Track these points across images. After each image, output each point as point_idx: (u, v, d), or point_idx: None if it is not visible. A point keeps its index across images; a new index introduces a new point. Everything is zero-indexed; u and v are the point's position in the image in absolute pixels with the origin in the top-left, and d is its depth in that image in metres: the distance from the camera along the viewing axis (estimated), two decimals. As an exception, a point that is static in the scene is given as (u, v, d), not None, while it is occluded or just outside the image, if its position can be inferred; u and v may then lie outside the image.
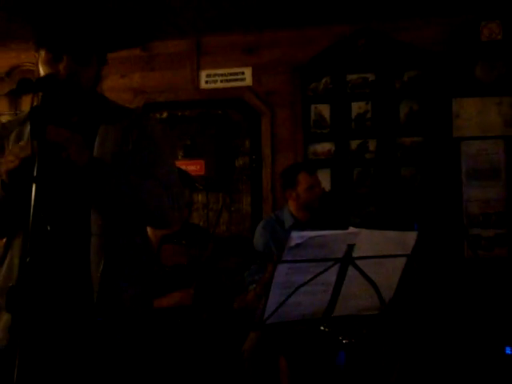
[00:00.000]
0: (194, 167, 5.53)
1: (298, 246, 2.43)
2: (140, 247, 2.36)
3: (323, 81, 5.59)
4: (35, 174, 1.83)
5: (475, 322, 4.42)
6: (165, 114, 5.84)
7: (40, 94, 1.99)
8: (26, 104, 5.29)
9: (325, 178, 5.32)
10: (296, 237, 2.42)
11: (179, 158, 5.64)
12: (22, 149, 2.02)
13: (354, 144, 5.52)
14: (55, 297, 2.10)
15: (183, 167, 5.01)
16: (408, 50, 5.39)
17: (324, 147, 5.56)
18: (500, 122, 5.20)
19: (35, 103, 1.96)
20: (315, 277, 2.52)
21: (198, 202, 5.54)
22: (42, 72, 2.21)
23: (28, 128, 2.14)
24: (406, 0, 5.03)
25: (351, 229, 2.58)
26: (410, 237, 2.69)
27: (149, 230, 3.69)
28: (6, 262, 2.22)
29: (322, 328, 2.85)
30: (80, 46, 2.19)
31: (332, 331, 3.01)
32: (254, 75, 5.74)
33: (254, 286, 4.05)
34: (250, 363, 3.92)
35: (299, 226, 4.40)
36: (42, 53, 2.20)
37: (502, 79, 5.19)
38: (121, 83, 5.94)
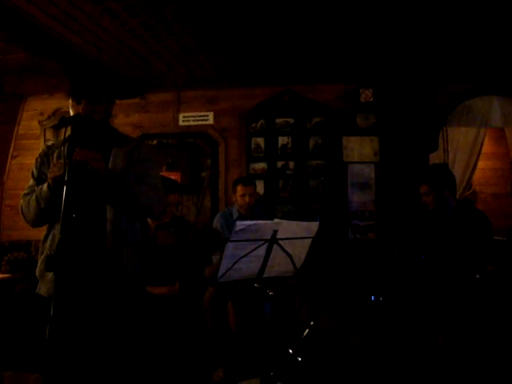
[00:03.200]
0: (173, 177, 5.45)
1: (241, 230, 2.43)
2: (137, 230, 2.34)
3: (260, 122, 5.55)
4: (66, 179, 1.82)
5: (353, 277, 4.45)
6: (155, 142, 5.73)
7: (70, 127, 2.02)
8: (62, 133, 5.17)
9: (260, 186, 5.34)
10: (239, 224, 2.42)
11: (164, 170, 5.55)
12: (61, 164, 2.04)
13: (279, 164, 5.49)
14: (82, 259, 2.09)
15: (169, 176, 5.02)
16: (315, 105, 5.42)
17: (260, 166, 5.52)
18: (371, 152, 5.25)
19: (68, 133, 1.98)
20: (251, 251, 2.53)
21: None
22: (71, 112, 2.23)
23: (64, 149, 2.17)
24: (314, 72, 5.08)
25: (276, 220, 2.61)
26: (314, 225, 2.71)
27: (149, 220, 3.68)
28: (50, 238, 2.21)
29: (255, 285, 2.83)
30: (91, 93, 2.21)
31: (262, 287, 3.01)
32: (214, 117, 5.68)
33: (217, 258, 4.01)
34: (208, 308, 3.89)
35: (242, 218, 4.36)
36: (70, 99, 2.23)
37: (373, 126, 5.26)
38: (125, 120, 5.82)
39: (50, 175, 2.09)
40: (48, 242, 2.21)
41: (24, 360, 2.75)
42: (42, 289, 2.18)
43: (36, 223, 2.27)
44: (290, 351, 3.60)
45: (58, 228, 2.08)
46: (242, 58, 4.58)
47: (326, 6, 3.44)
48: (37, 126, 5.88)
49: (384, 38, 4.04)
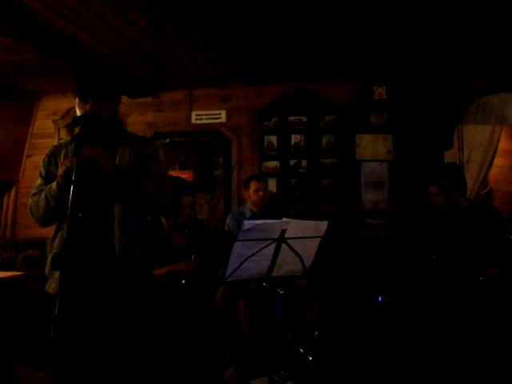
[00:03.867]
0: (186, 176, 5.47)
1: (248, 230, 2.43)
2: (145, 229, 2.37)
3: (273, 120, 5.56)
4: (73, 178, 1.84)
5: (363, 277, 4.44)
6: (168, 140, 5.76)
7: (79, 126, 2.04)
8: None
9: (272, 185, 5.34)
10: (247, 224, 2.42)
11: (176, 169, 5.59)
12: (69, 161, 2.04)
13: (292, 162, 5.48)
14: (89, 258, 2.10)
15: (181, 176, 5.01)
16: (328, 102, 5.40)
17: (272, 164, 5.52)
18: (385, 150, 5.23)
19: (76, 131, 2.01)
20: (259, 250, 2.53)
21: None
22: (77, 111, 2.26)
23: (71, 147, 2.21)
24: (326, 70, 5.06)
25: (284, 219, 2.59)
26: (323, 224, 2.69)
27: (162, 220, 3.67)
28: (58, 237, 2.23)
29: (264, 284, 2.83)
30: (98, 92, 2.23)
31: (271, 286, 3.00)
32: (227, 115, 5.69)
33: None
34: (219, 306, 3.89)
35: (254, 216, 4.36)
36: (77, 99, 2.25)
37: (386, 124, 5.23)
38: (139, 119, 5.87)
39: (59, 173, 2.10)
40: (56, 241, 2.22)
41: (35, 356, 2.80)
42: (51, 287, 2.20)
43: (45, 222, 2.28)
44: (301, 350, 3.61)
45: (66, 227, 2.12)
46: (253, 56, 4.59)
47: (337, 2, 3.42)
48: (51, 125, 5.96)
49: (397, 34, 4.01)
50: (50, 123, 5.96)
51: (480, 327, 2.69)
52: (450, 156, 5.12)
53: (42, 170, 2.34)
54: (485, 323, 2.69)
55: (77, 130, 2.03)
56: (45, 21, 3.54)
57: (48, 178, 2.29)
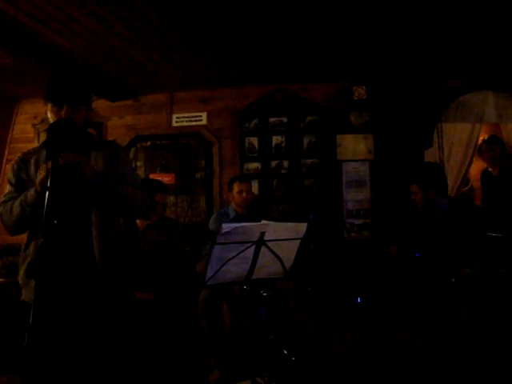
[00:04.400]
0: (167, 178, 5.47)
1: (227, 233, 2.45)
2: (121, 234, 2.40)
3: (253, 122, 5.57)
4: (48, 184, 1.83)
5: (344, 276, 4.46)
6: (149, 143, 5.75)
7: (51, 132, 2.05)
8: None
9: (254, 186, 5.31)
10: (225, 227, 2.44)
11: (157, 172, 5.59)
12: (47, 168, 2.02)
13: (273, 163, 5.50)
14: (66, 266, 2.05)
15: (160, 178, 5.02)
16: (308, 103, 5.42)
17: (254, 165, 5.53)
18: (365, 150, 5.26)
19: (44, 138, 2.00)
20: (239, 253, 2.54)
21: (169, 202, 5.48)
22: (49, 116, 2.24)
23: (43, 154, 2.17)
24: (306, 70, 5.08)
25: (263, 221, 2.61)
26: (302, 226, 2.72)
27: (138, 221, 3.70)
28: (32, 244, 2.20)
29: (244, 287, 2.84)
30: (73, 98, 2.21)
31: (251, 289, 3.02)
32: (208, 118, 5.68)
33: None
34: (203, 308, 3.89)
35: (238, 217, 4.39)
36: (49, 104, 2.22)
37: (367, 124, 5.25)
38: (119, 122, 5.85)
39: (37, 180, 2.07)
40: (30, 249, 2.20)
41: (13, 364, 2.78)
42: (27, 296, 2.16)
43: (17, 230, 2.24)
44: (285, 352, 3.62)
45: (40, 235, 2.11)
46: (232, 57, 4.58)
47: (317, 3, 3.44)
48: (31, 130, 5.90)
49: (376, 34, 4.04)
50: (30, 127, 5.90)
51: (453, 329, 2.72)
52: (430, 154, 5.17)
53: (12, 177, 2.30)
54: (457, 325, 2.72)
55: (44, 136, 2.02)
56: (20, 25, 3.50)
57: (19, 186, 2.25)
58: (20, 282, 2.22)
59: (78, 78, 2.33)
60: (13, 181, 2.29)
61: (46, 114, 2.28)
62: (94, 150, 2.31)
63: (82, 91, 2.28)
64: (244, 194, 4.42)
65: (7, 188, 2.31)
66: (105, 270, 2.19)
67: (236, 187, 4.44)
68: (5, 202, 2.25)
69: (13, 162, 2.33)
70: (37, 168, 2.22)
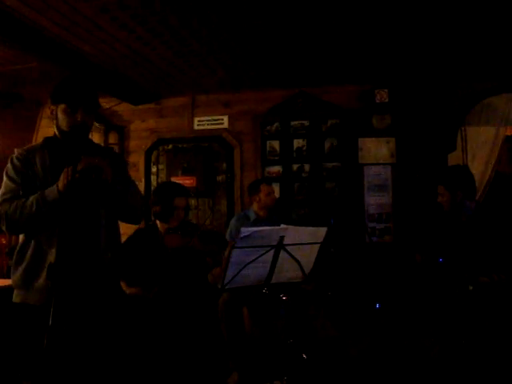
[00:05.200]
0: (189, 181, 5.52)
1: (246, 237, 2.44)
2: (119, 234, 2.45)
3: (275, 125, 5.57)
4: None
5: (365, 280, 4.43)
6: (170, 146, 5.81)
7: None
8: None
9: (275, 190, 5.28)
10: (245, 231, 2.44)
11: (179, 175, 5.63)
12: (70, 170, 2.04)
13: (294, 167, 5.50)
14: (80, 267, 2.13)
15: (181, 181, 5.05)
16: (330, 106, 5.40)
17: (275, 169, 5.54)
18: (388, 154, 5.22)
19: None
20: (258, 257, 2.53)
21: (191, 205, 5.52)
22: (60, 117, 2.22)
23: (44, 153, 2.24)
24: (328, 73, 5.06)
25: (282, 225, 2.60)
26: (322, 231, 2.70)
27: (158, 224, 3.71)
28: (31, 247, 2.17)
29: (263, 290, 2.84)
30: (89, 103, 2.23)
31: (270, 293, 3.01)
32: (229, 121, 5.71)
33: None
34: (223, 312, 3.91)
35: (259, 220, 4.41)
36: (63, 106, 2.20)
37: (389, 127, 5.23)
38: (142, 125, 5.93)
39: (61, 181, 2.05)
40: (29, 252, 2.17)
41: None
42: (31, 298, 2.14)
43: (21, 229, 2.19)
44: (304, 356, 3.61)
45: (45, 237, 2.14)
46: (253, 61, 4.60)
47: (339, 6, 3.43)
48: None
49: (398, 36, 4.01)
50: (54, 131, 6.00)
51: (471, 336, 2.67)
52: (453, 158, 5.10)
53: (14, 174, 2.20)
54: (476, 332, 2.67)
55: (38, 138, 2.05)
56: (45, 31, 3.58)
57: (25, 183, 2.19)
58: (17, 282, 2.19)
59: (94, 83, 2.36)
60: (16, 178, 2.19)
61: (52, 112, 2.26)
62: (98, 155, 2.24)
63: (97, 97, 2.30)
64: (273, 196, 4.50)
65: (7, 185, 2.21)
66: (112, 268, 2.27)
67: (264, 189, 4.47)
68: (10, 198, 2.16)
69: (13, 159, 2.24)
70: (42, 166, 2.21)
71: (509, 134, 5.45)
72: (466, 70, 4.89)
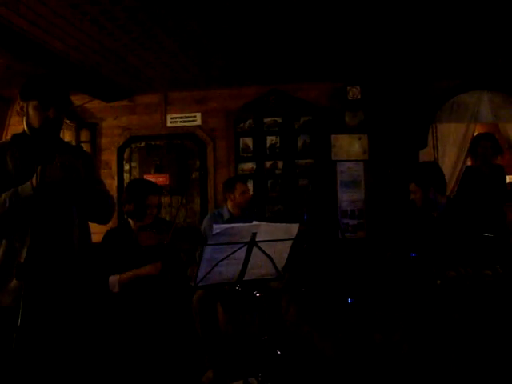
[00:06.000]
0: (162, 179, 5.50)
1: (218, 234, 2.45)
2: (90, 233, 2.43)
3: (248, 122, 5.58)
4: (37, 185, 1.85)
5: (337, 276, 4.47)
6: (143, 144, 5.76)
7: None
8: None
9: (249, 187, 5.32)
10: (217, 228, 2.44)
11: (152, 173, 5.61)
12: (57, 167, 2.03)
13: (268, 164, 5.52)
14: (52, 264, 2.11)
15: (154, 179, 5.03)
16: (303, 103, 5.44)
17: (248, 166, 5.56)
18: (360, 150, 5.28)
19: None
20: (230, 254, 2.54)
21: (164, 203, 5.49)
22: (31, 114, 2.17)
23: (14, 150, 2.19)
24: (301, 71, 5.09)
25: (254, 222, 2.62)
26: (294, 227, 2.72)
27: (131, 222, 3.68)
28: (2, 245, 2.13)
29: (236, 287, 2.85)
30: (62, 101, 2.20)
31: (243, 290, 3.02)
32: (202, 118, 5.70)
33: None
34: (196, 309, 3.90)
35: (233, 219, 4.40)
36: (34, 102, 2.15)
37: (361, 124, 5.28)
38: (114, 123, 5.87)
39: (37, 179, 1.99)
40: (0, 251, 2.13)
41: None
42: (4, 300, 2.09)
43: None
44: (279, 352, 3.63)
45: (18, 236, 2.10)
46: (225, 58, 4.59)
47: (312, 4, 3.45)
48: (24, 130, 5.90)
49: (370, 34, 4.05)
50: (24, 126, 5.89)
51: (440, 331, 2.72)
52: (424, 154, 5.19)
53: None
54: (444, 327, 2.73)
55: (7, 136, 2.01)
56: (12, 26, 3.51)
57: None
58: None
59: (65, 80, 2.33)
60: None
61: (22, 108, 2.21)
62: (67, 154, 2.20)
63: (68, 94, 2.27)
64: (247, 194, 4.48)
65: None
66: (83, 267, 2.25)
67: (239, 188, 4.45)
68: None
69: None
70: (13, 164, 2.17)
71: (478, 131, 5.57)
72: (437, 68, 4.98)
